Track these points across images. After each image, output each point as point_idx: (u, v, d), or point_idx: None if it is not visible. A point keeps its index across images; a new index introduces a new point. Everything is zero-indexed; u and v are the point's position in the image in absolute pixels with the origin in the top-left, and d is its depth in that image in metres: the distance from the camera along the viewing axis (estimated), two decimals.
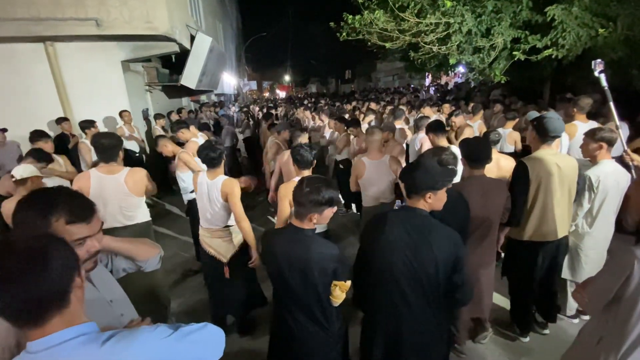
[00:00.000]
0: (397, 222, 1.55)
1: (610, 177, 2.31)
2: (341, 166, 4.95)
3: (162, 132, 6.46)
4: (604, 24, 4.68)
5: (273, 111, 8.86)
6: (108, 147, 2.49)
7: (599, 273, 1.43)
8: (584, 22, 4.74)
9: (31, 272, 0.72)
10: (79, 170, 4.39)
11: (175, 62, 8.01)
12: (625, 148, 2.60)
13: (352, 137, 4.73)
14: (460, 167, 2.47)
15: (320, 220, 1.60)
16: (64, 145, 5.12)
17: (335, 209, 1.62)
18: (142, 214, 2.73)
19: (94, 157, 4.66)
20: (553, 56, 5.06)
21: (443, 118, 5.76)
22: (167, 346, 0.81)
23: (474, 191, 2.06)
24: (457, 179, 2.52)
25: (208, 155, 2.49)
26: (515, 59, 5.33)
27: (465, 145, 2.17)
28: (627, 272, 1.26)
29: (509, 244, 2.54)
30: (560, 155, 2.32)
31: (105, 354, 0.75)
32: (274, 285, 1.75)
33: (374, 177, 2.94)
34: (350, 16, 5.95)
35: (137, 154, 6.19)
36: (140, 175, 2.62)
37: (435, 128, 3.10)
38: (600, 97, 5.71)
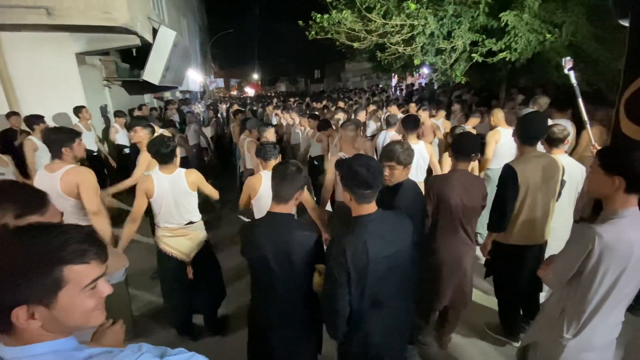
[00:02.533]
0: (374, 230, 1.50)
1: (565, 170, 2.40)
2: (315, 162, 4.99)
3: (122, 131, 6.15)
4: (550, 30, 5.09)
5: (243, 109, 8.71)
6: (53, 142, 2.32)
7: (562, 250, 1.54)
8: (533, 28, 5.12)
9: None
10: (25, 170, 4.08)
11: (137, 57, 7.63)
12: (593, 142, 2.73)
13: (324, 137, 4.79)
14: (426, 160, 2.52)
15: (299, 201, 1.68)
16: (10, 141, 4.71)
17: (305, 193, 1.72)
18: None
19: (41, 156, 4.33)
20: (507, 59, 5.42)
21: None
22: None
23: (457, 184, 2.13)
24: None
25: (159, 150, 2.39)
26: (474, 60, 5.65)
27: (455, 139, 2.25)
28: (589, 248, 1.37)
29: (493, 247, 2.54)
30: (544, 157, 2.30)
31: None
32: (254, 278, 1.75)
33: None
34: (319, 15, 6.00)
35: (95, 153, 5.84)
36: (78, 177, 2.31)
37: (408, 123, 3.22)
38: (548, 99, 6.18)
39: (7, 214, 0.92)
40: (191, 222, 2.58)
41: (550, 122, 3.34)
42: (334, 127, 4.75)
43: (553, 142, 2.53)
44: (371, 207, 1.50)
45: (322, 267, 1.64)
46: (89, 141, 5.66)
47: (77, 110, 5.50)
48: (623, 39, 4.67)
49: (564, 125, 2.64)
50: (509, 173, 2.22)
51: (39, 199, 1.00)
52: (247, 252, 1.73)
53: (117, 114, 6.43)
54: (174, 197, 2.47)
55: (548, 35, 5.03)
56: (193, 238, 2.59)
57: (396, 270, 1.52)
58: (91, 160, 5.39)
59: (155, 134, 3.94)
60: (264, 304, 1.74)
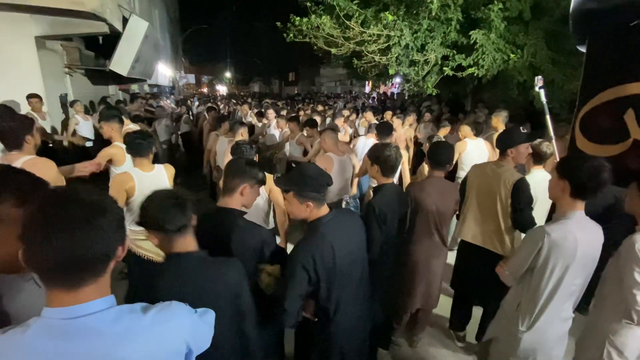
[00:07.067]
0: (335, 228, 1.55)
1: (539, 185, 2.40)
2: (293, 165, 4.98)
3: (83, 122, 5.77)
4: (514, 51, 5.50)
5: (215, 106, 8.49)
6: (12, 131, 2.11)
7: (518, 248, 1.69)
8: (499, 48, 5.51)
9: (86, 225, 0.68)
10: None
11: (103, 45, 7.23)
12: (557, 157, 2.76)
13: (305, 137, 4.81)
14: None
15: (248, 198, 1.61)
16: None
17: (259, 190, 1.67)
18: None
19: None
20: (475, 74, 5.77)
21: None
22: (196, 322, 0.88)
23: (433, 190, 2.24)
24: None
25: (136, 140, 2.32)
26: (445, 74, 5.96)
27: (432, 149, 2.35)
28: (539, 245, 1.53)
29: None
30: (498, 168, 2.33)
31: (151, 321, 0.77)
32: None
33: (340, 173, 3.02)
34: (298, 18, 6.03)
35: (51, 145, 5.42)
36: (40, 167, 2.13)
37: (381, 130, 3.46)
38: (507, 113, 6.64)
39: (5, 202, 0.85)
40: None
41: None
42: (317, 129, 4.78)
43: (536, 157, 2.64)
44: (326, 208, 1.56)
45: (272, 269, 1.57)
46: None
47: (29, 97, 5.03)
48: (575, 62, 5.20)
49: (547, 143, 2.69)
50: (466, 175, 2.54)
51: (41, 187, 0.95)
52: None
53: (73, 103, 5.89)
54: None
55: (512, 55, 5.44)
56: None
57: (357, 264, 1.60)
58: (46, 152, 4.98)
59: (125, 127, 3.75)
60: None
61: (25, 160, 2.09)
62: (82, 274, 0.71)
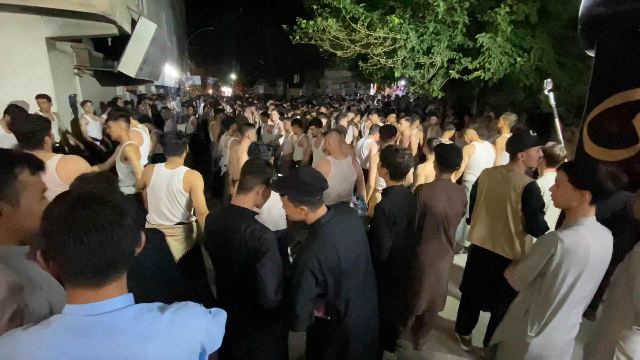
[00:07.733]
0: (336, 228, 1.55)
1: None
2: (297, 166, 5.01)
3: (92, 122, 5.83)
4: (520, 54, 5.49)
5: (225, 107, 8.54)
6: (31, 132, 2.17)
7: (528, 254, 1.68)
8: (505, 51, 5.51)
9: (115, 226, 0.71)
10: None
11: (111, 46, 7.31)
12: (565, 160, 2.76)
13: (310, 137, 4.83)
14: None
15: (262, 198, 1.65)
16: None
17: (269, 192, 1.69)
18: None
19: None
20: (481, 77, 5.77)
21: None
22: (210, 323, 0.90)
23: (441, 192, 2.25)
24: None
25: (172, 140, 2.41)
26: (451, 77, 5.95)
27: (439, 150, 2.33)
28: (551, 251, 1.52)
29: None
30: (509, 172, 2.26)
31: (169, 322, 0.78)
32: (215, 273, 1.71)
33: (339, 177, 3.00)
34: (304, 21, 6.07)
35: (57, 144, 5.48)
36: (76, 165, 2.28)
37: (383, 132, 3.47)
38: (516, 117, 6.63)
39: (24, 170, 1.05)
40: (181, 223, 2.50)
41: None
42: (322, 130, 4.79)
43: (549, 160, 2.58)
44: (324, 209, 1.57)
45: None
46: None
47: (37, 97, 5.08)
48: (582, 66, 5.17)
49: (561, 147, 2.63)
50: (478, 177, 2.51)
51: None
52: (207, 244, 1.70)
53: (83, 103, 5.97)
54: (167, 193, 2.41)
55: (518, 59, 5.42)
56: (181, 240, 2.52)
57: (360, 260, 1.60)
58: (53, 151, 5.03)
59: (133, 128, 3.80)
60: (221, 304, 1.72)
61: (59, 158, 2.21)
62: (108, 272, 0.73)
